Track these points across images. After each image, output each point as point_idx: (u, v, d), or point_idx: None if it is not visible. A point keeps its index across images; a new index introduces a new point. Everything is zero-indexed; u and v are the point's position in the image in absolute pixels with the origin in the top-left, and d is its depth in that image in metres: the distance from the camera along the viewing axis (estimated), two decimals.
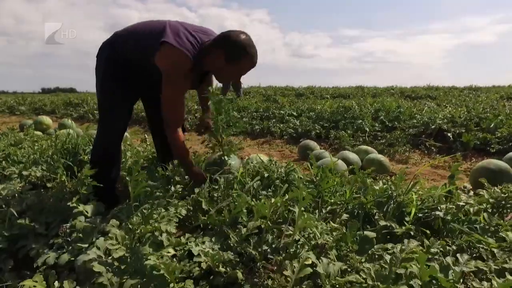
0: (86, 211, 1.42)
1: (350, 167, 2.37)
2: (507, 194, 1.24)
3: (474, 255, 1.00)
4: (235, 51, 1.50)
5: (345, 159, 2.71)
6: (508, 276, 0.73)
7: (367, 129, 3.83)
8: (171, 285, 0.95)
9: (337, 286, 0.74)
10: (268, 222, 1.05)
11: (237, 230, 1.14)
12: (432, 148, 3.46)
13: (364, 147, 3.01)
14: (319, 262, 0.79)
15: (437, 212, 1.13)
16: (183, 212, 1.31)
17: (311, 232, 1.00)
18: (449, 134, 3.48)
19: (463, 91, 9.81)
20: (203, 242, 1.05)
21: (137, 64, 1.65)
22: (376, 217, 1.18)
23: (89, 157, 1.86)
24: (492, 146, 3.21)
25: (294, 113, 4.79)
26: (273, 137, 4.34)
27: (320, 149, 3.38)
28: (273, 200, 1.05)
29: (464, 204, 1.13)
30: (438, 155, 3.29)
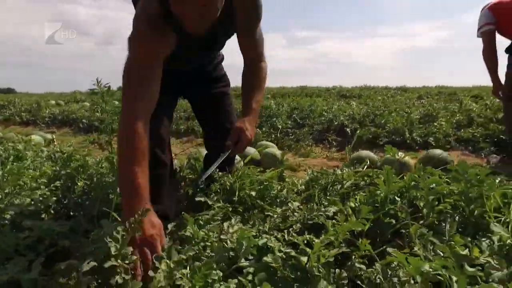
0: None
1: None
2: (316, 174, 1.57)
3: (265, 223, 1.28)
4: None
5: (244, 153, 2.99)
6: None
7: (280, 126, 4.18)
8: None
9: None
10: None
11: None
12: (333, 142, 3.88)
13: (265, 142, 3.33)
14: None
15: (250, 192, 1.42)
16: (52, 199, 1.50)
17: None
18: (347, 129, 3.92)
19: (390, 91, 10.66)
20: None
21: None
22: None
23: None
24: (380, 139, 3.68)
25: None
26: (195, 136, 4.56)
27: None
28: None
29: (267, 183, 1.43)
30: (334, 148, 3.71)
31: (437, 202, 1.28)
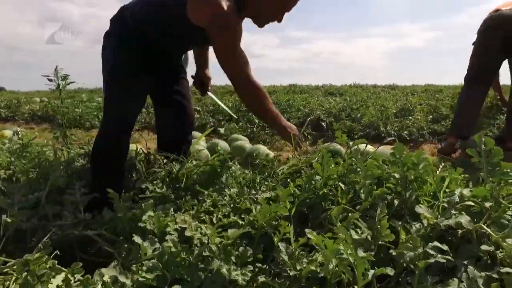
0: None
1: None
2: (261, 162, 1.54)
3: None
4: None
5: (213, 146, 2.96)
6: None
7: (256, 121, 4.14)
8: None
9: None
10: None
11: None
12: (308, 136, 3.85)
13: (236, 135, 3.29)
14: None
15: (194, 178, 1.38)
16: None
17: None
18: (322, 123, 3.90)
19: (376, 89, 10.69)
20: None
21: (159, 39, 1.47)
22: None
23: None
24: (355, 132, 3.66)
25: (198, 108, 5.01)
26: None
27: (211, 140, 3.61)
28: None
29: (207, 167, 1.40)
30: (308, 142, 3.68)
31: (376, 187, 1.26)
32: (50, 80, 1.91)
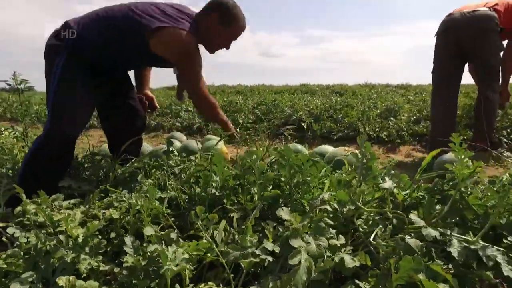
0: None
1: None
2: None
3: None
4: (228, 13, 1.63)
5: (186, 146, 3.03)
6: None
7: (241, 121, 4.20)
8: None
9: None
10: None
11: None
12: (289, 136, 3.87)
13: (209, 136, 3.35)
14: None
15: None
16: None
17: None
18: (303, 124, 3.90)
19: (386, 89, 10.46)
20: None
21: (108, 62, 1.62)
22: None
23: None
24: (333, 133, 3.65)
25: (190, 109, 5.12)
26: (163, 130, 4.64)
27: (187, 139, 3.70)
28: None
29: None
30: (284, 142, 3.70)
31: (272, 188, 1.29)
32: (9, 85, 2.04)
